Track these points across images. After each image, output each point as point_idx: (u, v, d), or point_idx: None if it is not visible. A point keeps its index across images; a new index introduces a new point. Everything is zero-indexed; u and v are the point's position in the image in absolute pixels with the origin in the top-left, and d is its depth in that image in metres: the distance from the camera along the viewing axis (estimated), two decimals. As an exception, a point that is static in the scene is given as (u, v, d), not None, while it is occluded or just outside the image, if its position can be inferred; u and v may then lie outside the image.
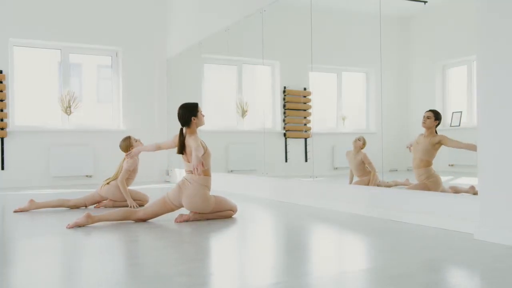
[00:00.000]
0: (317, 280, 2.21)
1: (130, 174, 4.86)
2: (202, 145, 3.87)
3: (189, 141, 3.84)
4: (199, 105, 4.00)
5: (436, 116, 4.26)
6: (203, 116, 4.00)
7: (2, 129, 7.49)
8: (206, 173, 3.89)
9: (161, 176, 8.71)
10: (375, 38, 4.63)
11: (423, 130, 4.32)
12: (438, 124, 4.27)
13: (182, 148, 3.89)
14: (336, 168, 6.36)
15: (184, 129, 3.93)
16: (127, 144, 4.89)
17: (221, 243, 3.27)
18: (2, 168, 7.53)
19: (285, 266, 2.57)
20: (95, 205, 4.89)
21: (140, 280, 2.25)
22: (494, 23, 2.98)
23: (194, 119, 3.92)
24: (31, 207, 4.54)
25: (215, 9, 7.18)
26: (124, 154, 4.89)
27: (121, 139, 4.98)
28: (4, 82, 7.55)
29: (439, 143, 4.18)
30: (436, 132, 4.28)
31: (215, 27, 7.07)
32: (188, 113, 3.92)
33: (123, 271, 2.45)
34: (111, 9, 8.42)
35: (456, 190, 4.20)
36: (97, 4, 8.31)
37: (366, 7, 4.61)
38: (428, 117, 4.27)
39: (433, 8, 5.34)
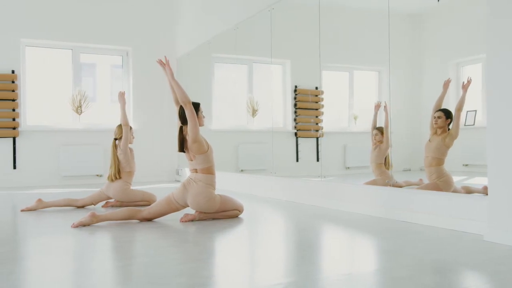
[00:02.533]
0: (322, 282, 2.14)
1: (129, 164, 4.78)
2: (204, 142, 3.82)
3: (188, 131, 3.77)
4: (201, 105, 3.94)
5: (447, 114, 4.17)
6: (204, 117, 3.93)
7: (14, 128, 7.54)
8: (210, 171, 3.84)
9: (171, 176, 8.70)
10: (388, 36, 4.54)
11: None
12: (450, 122, 4.17)
13: (182, 146, 3.84)
14: (348, 168, 6.27)
15: (183, 127, 3.88)
16: (121, 131, 4.79)
17: (226, 243, 3.22)
18: (14, 168, 7.58)
19: (288, 266, 2.50)
20: (103, 204, 4.87)
21: (140, 279, 2.21)
22: (502, 23, 2.90)
23: None
24: (39, 207, 4.54)
25: (222, 8, 7.14)
26: (114, 141, 4.83)
27: (119, 124, 4.90)
28: (16, 82, 7.59)
29: (449, 135, 4.09)
30: (448, 130, 4.19)
31: (223, 26, 7.02)
32: None
33: (124, 270, 2.41)
34: (120, 9, 8.43)
35: (468, 191, 4.09)
36: (107, 5, 8.33)
37: (378, 4, 4.51)
38: (439, 117, 4.18)
39: (447, 4, 5.22)
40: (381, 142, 4.99)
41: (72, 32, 8.04)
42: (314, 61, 5.33)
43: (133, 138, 4.96)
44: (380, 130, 5.03)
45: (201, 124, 3.85)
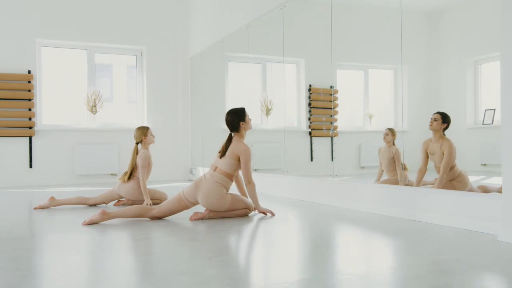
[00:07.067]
0: (334, 281, 2.09)
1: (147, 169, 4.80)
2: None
3: (238, 147, 3.85)
4: (246, 109, 4.00)
5: (444, 118, 4.01)
6: (250, 120, 4.01)
7: (30, 128, 7.62)
8: (230, 176, 3.89)
9: (185, 175, 8.70)
10: (403, 33, 4.45)
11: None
12: (446, 127, 4.03)
13: (225, 152, 3.87)
14: (363, 167, 6.19)
15: (232, 134, 3.94)
16: (141, 134, 4.81)
17: (235, 241, 3.18)
18: (30, 167, 7.66)
19: (299, 265, 2.46)
20: (115, 202, 4.87)
21: (144, 277, 2.18)
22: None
23: (242, 124, 3.94)
24: (51, 205, 4.56)
25: (234, 6, 7.10)
26: (136, 145, 4.82)
27: (137, 127, 4.90)
28: (32, 82, 7.68)
29: (447, 156, 3.92)
30: (444, 135, 4.03)
31: (235, 25, 6.99)
32: (237, 119, 3.94)
33: (128, 268, 2.39)
34: (134, 9, 8.47)
35: (485, 190, 3.98)
36: (121, 4, 8.37)
37: (394, 1, 4.44)
38: (435, 119, 4.02)
39: (464, 0, 5.12)
40: (390, 143, 4.90)
41: (86, 32, 8.11)
42: (328, 60, 5.26)
43: (154, 137, 4.93)
44: (392, 131, 4.95)
45: (249, 128, 3.98)
